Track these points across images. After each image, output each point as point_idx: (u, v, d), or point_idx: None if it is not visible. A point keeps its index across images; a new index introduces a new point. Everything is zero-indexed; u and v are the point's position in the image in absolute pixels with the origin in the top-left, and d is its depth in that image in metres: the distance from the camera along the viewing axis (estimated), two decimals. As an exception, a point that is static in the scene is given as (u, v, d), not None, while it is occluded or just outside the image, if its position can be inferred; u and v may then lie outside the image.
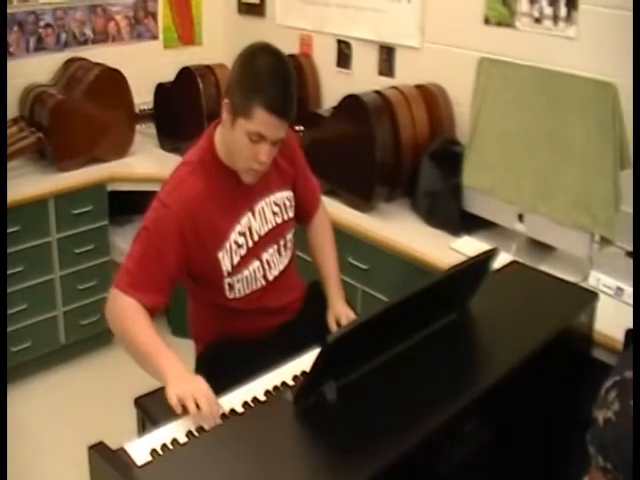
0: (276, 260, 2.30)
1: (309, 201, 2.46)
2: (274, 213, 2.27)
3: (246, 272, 2.21)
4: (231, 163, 2.15)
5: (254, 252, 2.22)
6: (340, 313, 2.30)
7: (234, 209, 2.18)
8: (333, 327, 2.26)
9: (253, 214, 2.22)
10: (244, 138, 2.04)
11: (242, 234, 2.19)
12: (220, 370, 2.11)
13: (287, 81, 2.05)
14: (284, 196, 2.31)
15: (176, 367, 1.88)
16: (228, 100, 2.06)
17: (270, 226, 2.26)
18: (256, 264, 2.23)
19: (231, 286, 2.20)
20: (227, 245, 2.15)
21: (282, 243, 2.31)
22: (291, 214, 2.33)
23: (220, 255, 2.15)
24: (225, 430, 1.67)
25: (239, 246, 2.18)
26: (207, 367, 2.29)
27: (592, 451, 1.40)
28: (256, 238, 2.22)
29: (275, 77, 2.03)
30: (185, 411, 1.73)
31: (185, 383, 1.82)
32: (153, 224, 2.09)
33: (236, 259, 2.18)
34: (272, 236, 2.27)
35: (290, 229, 2.35)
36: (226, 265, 2.16)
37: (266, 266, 2.26)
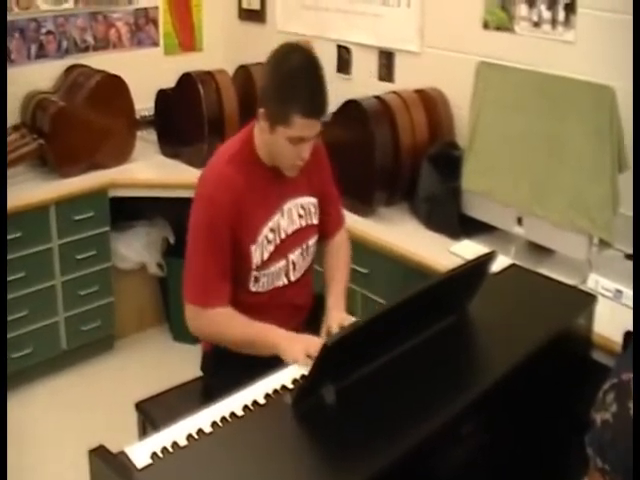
0: (300, 262, 2.36)
1: (331, 220, 2.50)
2: (300, 215, 2.33)
3: (272, 269, 2.27)
4: (272, 161, 2.23)
5: (282, 251, 2.28)
6: (332, 322, 2.23)
7: (267, 205, 2.25)
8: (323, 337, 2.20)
9: (282, 212, 2.28)
10: (285, 142, 2.13)
11: (272, 230, 2.25)
12: (226, 368, 2.19)
13: (318, 79, 2.11)
14: (310, 202, 2.37)
15: (283, 334, 2.11)
16: (264, 110, 2.12)
17: (296, 227, 2.32)
18: (282, 263, 2.29)
19: (257, 279, 2.26)
20: (259, 239, 2.22)
21: (305, 247, 2.36)
22: (315, 221, 2.39)
23: (252, 248, 2.21)
24: (225, 433, 1.67)
25: (269, 242, 2.24)
26: (213, 364, 2.35)
27: (590, 453, 1.41)
28: (283, 236, 2.28)
29: (306, 79, 2.09)
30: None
31: (298, 342, 2.05)
32: (207, 224, 2.17)
33: (266, 254, 2.24)
34: (298, 238, 2.33)
35: (313, 235, 2.40)
36: (256, 259, 2.22)
37: (291, 266, 2.32)
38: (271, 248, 2.25)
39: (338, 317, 2.24)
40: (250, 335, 2.16)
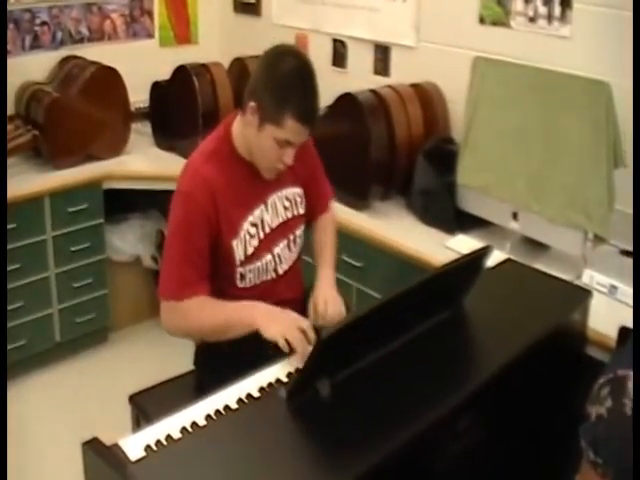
0: (286, 255, 2.34)
1: (319, 203, 2.49)
2: (285, 207, 2.31)
3: (258, 263, 2.25)
4: (250, 158, 2.20)
5: (266, 245, 2.26)
6: (318, 298, 2.25)
7: (248, 200, 2.22)
8: (310, 312, 2.23)
9: (266, 206, 2.26)
10: (272, 142, 2.09)
11: (254, 225, 2.22)
12: (218, 363, 2.17)
13: (314, 87, 2.10)
14: (295, 192, 2.35)
15: (261, 310, 2.08)
16: (255, 104, 2.08)
17: (281, 219, 2.30)
18: (268, 257, 2.27)
19: (242, 275, 2.24)
20: (241, 234, 2.19)
21: (292, 238, 2.35)
22: (301, 210, 2.37)
23: (234, 243, 2.18)
24: (218, 426, 1.67)
25: (251, 236, 2.22)
26: (206, 359, 2.34)
27: (584, 444, 1.41)
28: (267, 230, 2.26)
29: (304, 84, 2.07)
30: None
31: (275, 322, 2.02)
32: (183, 221, 2.14)
33: (250, 249, 2.21)
34: (283, 230, 2.31)
35: (300, 226, 2.38)
36: (239, 254, 2.20)
37: (277, 260, 2.30)
38: (255, 243, 2.23)
39: (324, 293, 2.26)
40: (225, 318, 2.11)
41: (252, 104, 2.08)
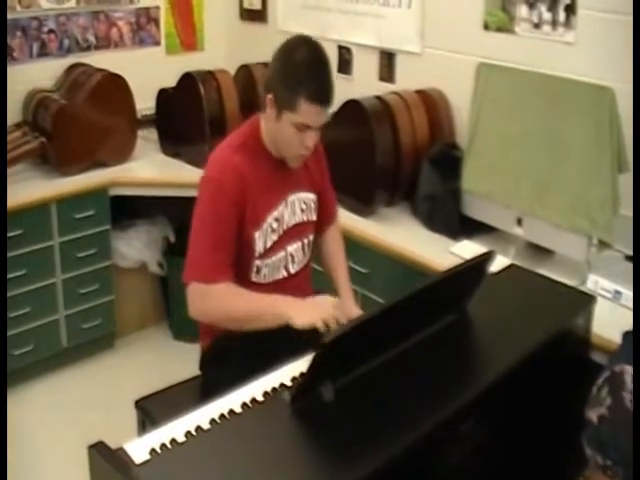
0: (300, 256, 2.38)
1: (325, 212, 2.53)
2: (302, 210, 2.36)
3: (274, 258, 2.29)
4: (277, 151, 2.25)
5: (282, 242, 2.30)
6: (348, 313, 2.33)
7: (273, 194, 2.27)
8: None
9: (286, 204, 2.30)
10: (291, 129, 2.15)
11: (277, 220, 2.27)
12: (223, 368, 2.19)
13: (325, 69, 2.16)
14: (310, 197, 2.39)
15: (290, 301, 2.12)
16: (272, 95, 2.15)
17: (297, 220, 2.34)
18: (282, 254, 2.31)
19: (258, 269, 2.28)
20: (264, 226, 2.24)
21: (306, 242, 2.39)
22: (314, 217, 2.42)
23: (256, 235, 2.22)
24: (223, 430, 1.68)
25: (273, 230, 2.26)
26: (210, 364, 2.35)
27: (589, 452, 1.40)
28: (285, 227, 2.30)
29: (314, 67, 2.14)
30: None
31: (307, 307, 2.09)
32: (213, 207, 2.18)
33: (269, 243, 2.26)
34: (298, 231, 2.35)
35: (312, 232, 2.43)
36: (259, 246, 2.24)
37: (289, 258, 2.34)
38: (274, 237, 2.27)
39: (352, 311, 2.33)
40: (256, 307, 2.15)
41: (269, 96, 2.16)
